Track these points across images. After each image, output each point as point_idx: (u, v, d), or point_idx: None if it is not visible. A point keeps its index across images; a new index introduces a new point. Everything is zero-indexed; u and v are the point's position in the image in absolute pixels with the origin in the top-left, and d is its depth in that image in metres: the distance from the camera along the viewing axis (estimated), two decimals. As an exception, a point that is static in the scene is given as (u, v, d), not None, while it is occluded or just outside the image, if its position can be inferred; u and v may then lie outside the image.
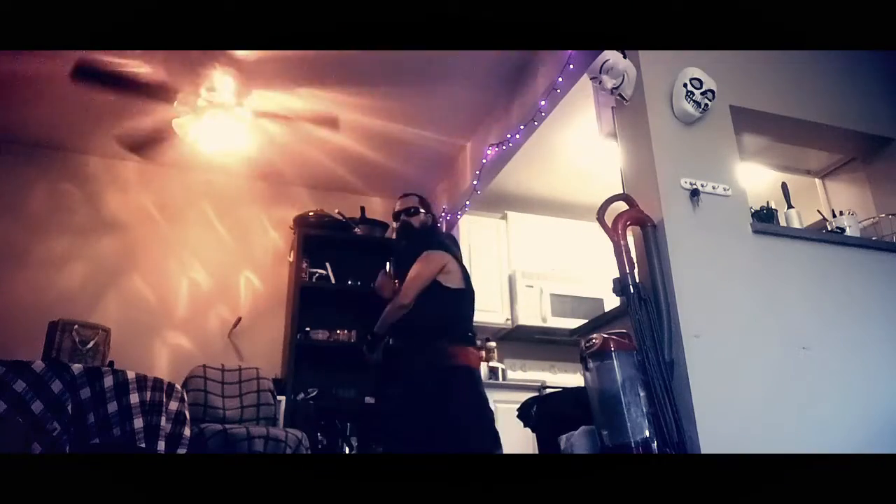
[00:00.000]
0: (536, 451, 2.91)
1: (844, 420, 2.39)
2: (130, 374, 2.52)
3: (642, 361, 2.19)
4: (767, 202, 2.93)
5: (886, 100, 3.18)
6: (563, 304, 4.62)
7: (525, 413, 2.72)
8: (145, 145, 4.15)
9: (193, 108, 3.70)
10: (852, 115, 3.08)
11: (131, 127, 4.08)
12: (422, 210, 2.98)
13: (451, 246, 2.99)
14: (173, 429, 2.68)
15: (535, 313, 4.56)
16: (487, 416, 2.68)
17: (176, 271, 4.48)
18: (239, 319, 4.41)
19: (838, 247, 2.73)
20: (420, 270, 2.77)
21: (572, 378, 4.45)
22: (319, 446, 3.95)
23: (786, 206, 2.93)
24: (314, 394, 4.18)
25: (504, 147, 3.81)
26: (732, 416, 2.23)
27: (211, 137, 3.79)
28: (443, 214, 4.73)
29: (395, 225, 3.03)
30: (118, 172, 4.57)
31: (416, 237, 2.92)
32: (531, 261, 4.73)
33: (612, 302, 3.71)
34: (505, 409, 3.93)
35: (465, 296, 2.84)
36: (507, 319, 4.57)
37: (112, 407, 2.42)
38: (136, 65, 3.57)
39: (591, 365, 2.25)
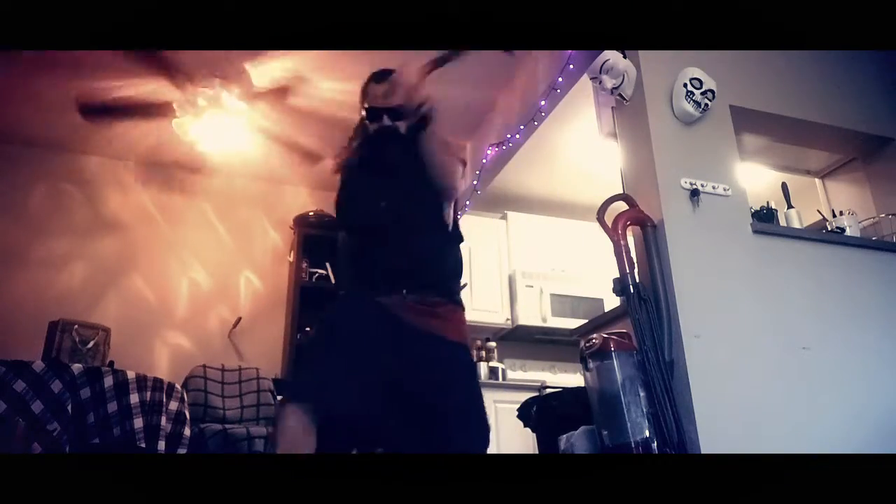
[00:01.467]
0: (536, 451, 2.91)
1: (844, 420, 2.39)
2: (130, 374, 2.52)
3: (642, 361, 2.19)
4: (767, 202, 2.93)
5: (886, 100, 3.18)
6: (563, 304, 4.61)
7: (525, 413, 2.72)
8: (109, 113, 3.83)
9: (193, 110, 3.70)
10: (852, 115, 3.08)
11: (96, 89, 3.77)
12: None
13: None
14: (173, 429, 2.68)
15: (535, 313, 4.56)
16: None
17: (176, 271, 4.48)
18: (239, 319, 4.41)
19: (838, 247, 2.73)
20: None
21: (572, 378, 4.45)
22: (319, 446, 3.94)
23: (786, 206, 2.93)
24: (314, 394, 4.17)
25: (504, 147, 3.81)
26: (732, 416, 2.23)
27: (211, 137, 3.79)
28: (443, 214, 4.72)
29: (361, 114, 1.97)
30: (118, 172, 4.57)
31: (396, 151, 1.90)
32: (531, 261, 4.73)
33: (612, 302, 3.71)
34: (505, 409, 3.94)
35: None
36: (507, 319, 4.57)
37: (112, 407, 2.42)
38: (135, 77, 3.56)
39: (591, 365, 2.26)
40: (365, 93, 1.99)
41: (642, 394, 2.14)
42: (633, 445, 2.07)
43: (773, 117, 2.94)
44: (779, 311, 2.49)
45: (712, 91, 2.66)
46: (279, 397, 3.75)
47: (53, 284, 4.17)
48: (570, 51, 3.13)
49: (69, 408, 2.29)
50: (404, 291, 1.75)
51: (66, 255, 4.28)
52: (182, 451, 2.69)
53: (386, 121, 1.91)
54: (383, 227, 1.83)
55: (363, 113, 1.97)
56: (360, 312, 1.73)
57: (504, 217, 4.89)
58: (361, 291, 1.80)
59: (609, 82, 2.67)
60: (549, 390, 3.74)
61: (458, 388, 1.73)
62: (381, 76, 1.98)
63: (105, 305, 4.20)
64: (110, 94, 3.78)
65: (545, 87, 3.39)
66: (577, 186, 4.71)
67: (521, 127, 3.64)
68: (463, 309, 1.89)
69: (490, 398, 4.04)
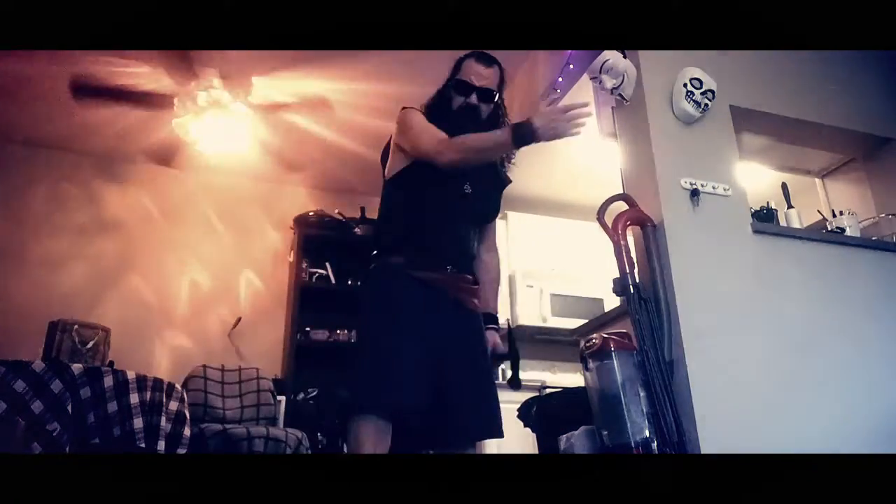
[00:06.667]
0: (536, 451, 2.91)
1: (844, 420, 2.39)
2: (130, 374, 2.52)
3: (642, 361, 2.19)
4: (767, 202, 2.93)
5: (886, 100, 3.18)
6: (563, 304, 4.61)
7: (525, 413, 2.72)
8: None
9: (194, 109, 3.70)
10: (852, 115, 3.08)
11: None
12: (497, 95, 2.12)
13: None
14: (173, 429, 2.68)
15: (535, 313, 4.55)
16: None
17: (176, 271, 4.48)
18: (239, 319, 4.41)
19: (838, 247, 2.73)
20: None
21: (572, 378, 4.44)
22: (319, 446, 3.95)
23: (786, 206, 2.93)
24: (314, 394, 4.18)
25: (504, 147, 3.80)
26: (732, 416, 2.22)
27: (211, 137, 3.79)
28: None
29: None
30: (118, 172, 4.58)
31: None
32: (531, 261, 4.73)
33: (612, 302, 3.71)
34: (505, 409, 3.93)
35: None
36: (507, 319, 4.57)
37: (112, 407, 2.42)
38: (135, 66, 3.56)
39: (591, 365, 2.26)
40: (459, 67, 2.11)
41: (642, 394, 2.14)
42: (633, 445, 2.07)
43: (773, 117, 2.94)
44: (779, 311, 2.48)
45: (712, 91, 2.66)
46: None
47: (53, 284, 4.17)
48: (570, 51, 3.12)
49: (69, 408, 2.29)
50: (449, 268, 1.93)
51: (66, 255, 4.27)
52: (182, 451, 2.69)
53: (473, 99, 2.07)
54: (463, 208, 2.01)
55: (450, 83, 2.10)
56: (409, 290, 1.86)
57: (504, 217, 4.89)
58: (400, 265, 1.90)
59: (609, 82, 2.67)
60: (549, 390, 3.74)
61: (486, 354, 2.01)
62: (487, 59, 2.11)
63: (105, 305, 4.20)
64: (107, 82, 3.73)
65: (545, 87, 3.39)
66: (577, 186, 4.71)
67: (521, 127, 3.64)
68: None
69: (490, 398, 4.05)
